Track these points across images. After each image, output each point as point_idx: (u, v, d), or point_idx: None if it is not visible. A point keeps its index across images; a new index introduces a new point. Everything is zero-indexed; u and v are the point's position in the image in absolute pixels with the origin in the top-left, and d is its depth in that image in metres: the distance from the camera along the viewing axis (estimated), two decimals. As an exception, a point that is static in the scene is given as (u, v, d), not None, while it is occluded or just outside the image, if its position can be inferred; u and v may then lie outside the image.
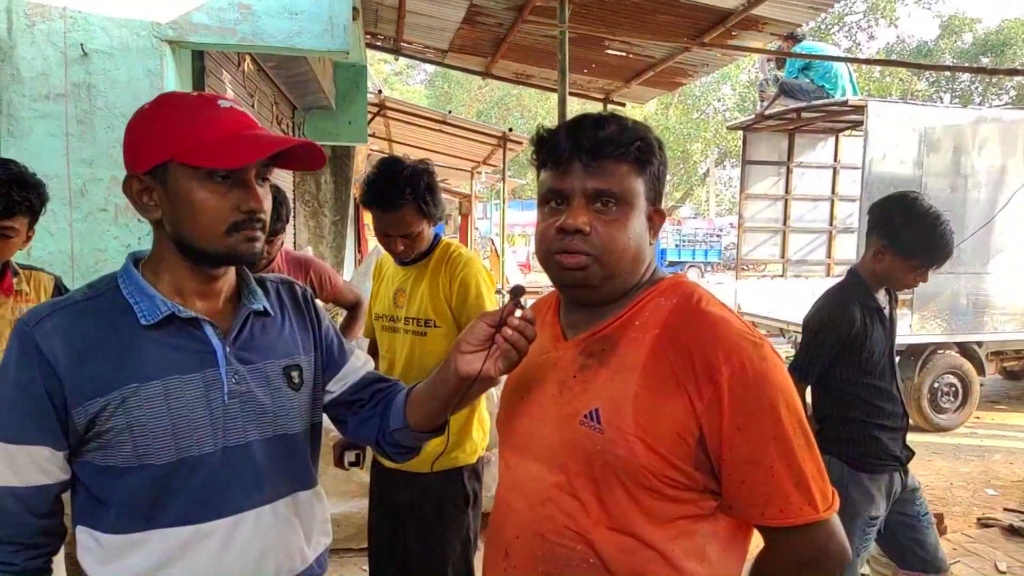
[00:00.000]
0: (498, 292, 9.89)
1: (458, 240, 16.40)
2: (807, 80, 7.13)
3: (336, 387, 1.29)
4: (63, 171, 3.32)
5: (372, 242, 13.54)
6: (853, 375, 2.42)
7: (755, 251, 8.36)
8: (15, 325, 1.11)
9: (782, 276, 8.36)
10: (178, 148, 1.07)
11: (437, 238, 2.35)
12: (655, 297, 1.17)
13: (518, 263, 16.02)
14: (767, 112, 7.47)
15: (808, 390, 2.51)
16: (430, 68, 26.83)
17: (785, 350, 8.84)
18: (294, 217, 7.12)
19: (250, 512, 1.14)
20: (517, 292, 1.13)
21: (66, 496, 1.15)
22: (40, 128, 3.29)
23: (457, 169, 12.65)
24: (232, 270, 1.20)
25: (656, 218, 1.19)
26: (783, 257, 8.36)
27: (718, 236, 27.64)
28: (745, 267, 8.66)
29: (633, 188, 1.13)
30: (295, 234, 7.19)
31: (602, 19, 5.73)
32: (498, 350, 1.11)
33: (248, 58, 4.62)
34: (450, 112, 9.07)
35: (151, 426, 1.08)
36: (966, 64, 25.54)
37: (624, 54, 6.60)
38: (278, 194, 2.67)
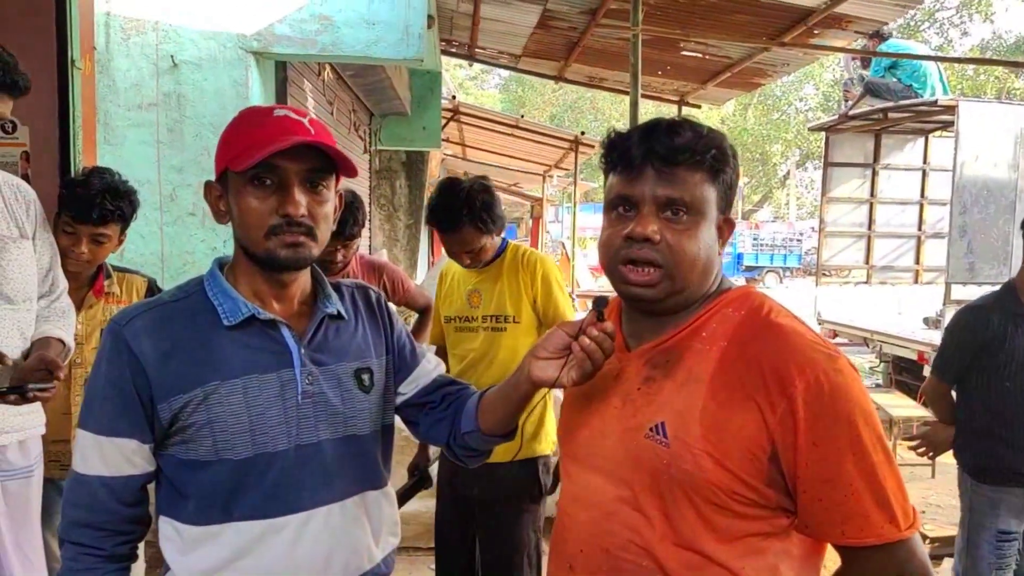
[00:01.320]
0: (569, 295, 9.85)
1: (529, 243, 16.45)
2: (894, 79, 6.83)
3: (408, 389, 1.30)
4: (154, 177, 3.50)
5: (445, 245, 13.74)
6: (988, 381, 2.42)
7: (837, 257, 8.06)
8: (108, 324, 1.17)
9: (866, 283, 8.02)
10: (230, 155, 1.12)
11: (504, 242, 2.42)
12: (722, 308, 1.13)
13: (589, 267, 15.91)
14: (851, 112, 7.19)
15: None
16: (504, 72, 27.02)
17: (868, 360, 8.49)
18: (369, 221, 7.28)
19: (320, 509, 1.17)
20: (600, 304, 1.12)
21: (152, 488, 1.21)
22: (133, 136, 3.48)
23: (529, 173, 12.68)
24: (306, 274, 1.22)
25: (726, 228, 1.15)
26: (867, 263, 8.03)
27: (798, 240, 26.80)
28: (826, 273, 8.35)
29: (705, 197, 1.10)
30: (370, 238, 7.35)
31: (677, 20, 5.65)
32: (575, 359, 1.10)
33: (328, 67, 4.76)
34: (522, 116, 9.11)
35: (230, 422, 1.11)
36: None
37: (700, 55, 6.49)
38: (354, 200, 2.73)
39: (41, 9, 2.32)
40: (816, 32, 5.61)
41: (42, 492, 1.96)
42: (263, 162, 1.08)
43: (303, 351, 1.17)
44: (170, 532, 1.16)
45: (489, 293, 2.34)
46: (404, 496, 2.42)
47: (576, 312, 3.66)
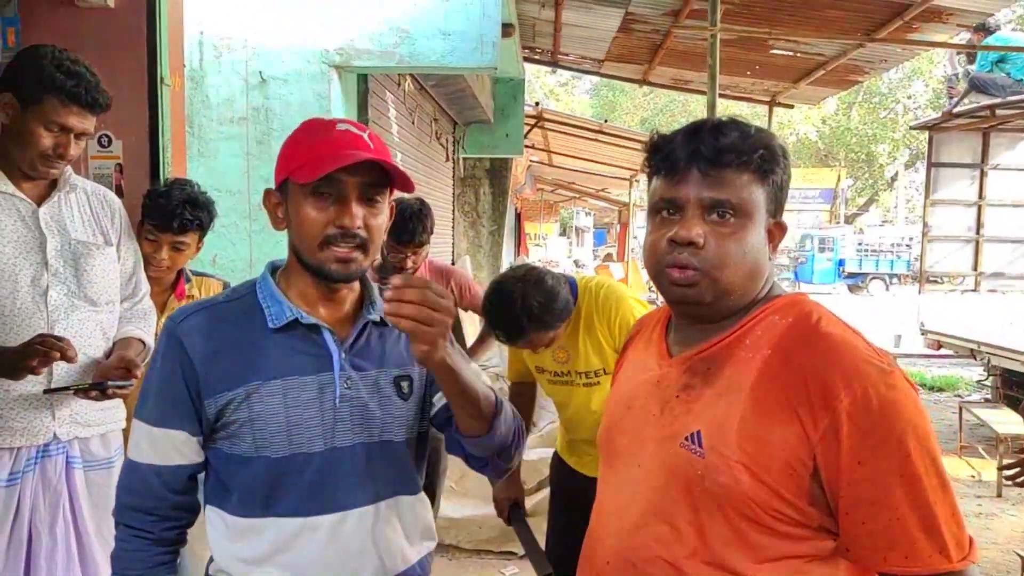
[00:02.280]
0: (652, 303, 9.72)
1: (616, 250, 16.29)
2: (1002, 74, 6.39)
3: (439, 400, 1.30)
4: (244, 187, 3.69)
5: (533, 250, 13.78)
6: None
7: (942, 262, 7.60)
8: (165, 322, 1.26)
9: (974, 290, 7.52)
10: (292, 166, 1.17)
11: (574, 287, 2.29)
12: (769, 315, 1.09)
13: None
14: (956, 110, 6.77)
15: None
16: (595, 78, 26.97)
17: (978, 374, 7.94)
18: (452, 227, 7.41)
19: (354, 511, 1.20)
20: (383, 271, 1.08)
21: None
22: (225, 149, 3.68)
23: (615, 178, 12.58)
24: (356, 281, 1.26)
25: (776, 232, 1.11)
26: (976, 270, 7.52)
27: (907, 245, 25.38)
28: (934, 280, 7.89)
29: (753, 199, 1.06)
30: (454, 244, 7.48)
31: (763, 18, 5.49)
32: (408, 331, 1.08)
33: (409, 78, 4.89)
34: (606, 121, 9.08)
35: (269, 421, 1.16)
36: None
37: (791, 53, 6.27)
38: (422, 207, 2.81)
39: (134, 31, 2.49)
40: (915, 26, 5.32)
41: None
42: (325, 176, 1.12)
43: (343, 356, 1.21)
44: (216, 521, 1.23)
45: (574, 350, 2.26)
46: (526, 540, 2.29)
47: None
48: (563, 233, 27.60)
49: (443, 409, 1.27)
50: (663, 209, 1.10)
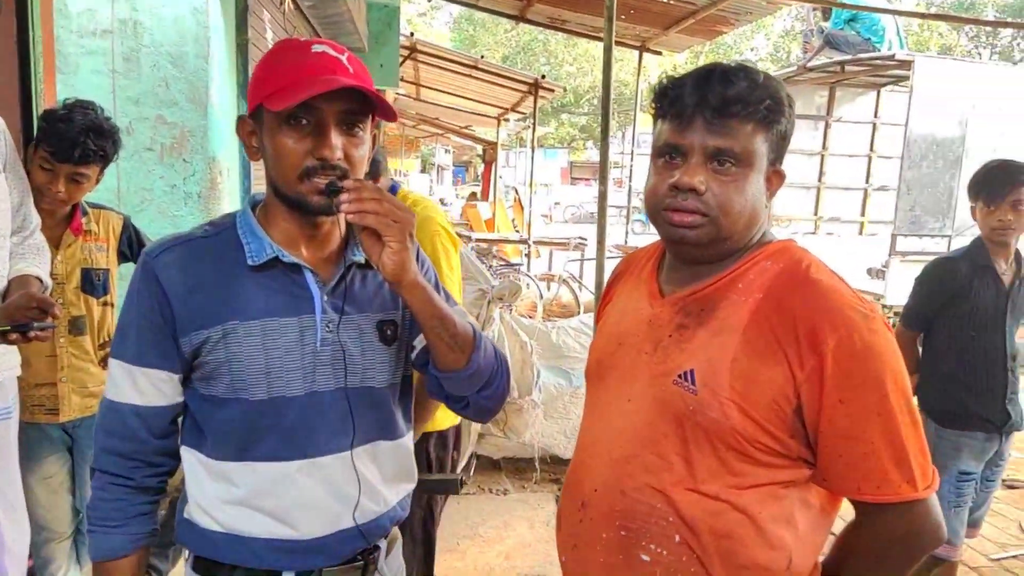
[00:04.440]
0: (523, 242, 9.87)
1: (480, 188, 16.26)
2: (853, 32, 6.91)
3: (419, 343, 1.27)
4: (109, 109, 3.29)
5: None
6: (953, 329, 2.53)
7: (787, 207, 8.24)
8: (141, 256, 1.17)
9: (813, 234, 8.25)
10: (265, 92, 1.09)
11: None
12: (761, 260, 1.14)
13: (541, 213, 15.92)
14: (810, 64, 7.26)
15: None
16: (456, 10, 26.25)
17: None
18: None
19: (334, 455, 1.17)
20: (331, 188, 1.08)
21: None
22: (87, 65, 3.27)
23: (483, 116, 12.48)
24: (341, 219, 1.19)
25: (775, 179, 1.15)
26: (816, 215, 8.24)
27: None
28: (773, 222, 8.54)
29: (756, 149, 1.09)
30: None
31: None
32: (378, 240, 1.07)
33: (288, -3, 4.55)
34: (482, 57, 8.91)
35: (246, 363, 1.12)
36: (1009, 20, 24.60)
37: (666, 0, 6.42)
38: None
39: (-4, -78, 2.15)
40: (782, -19, 5.62)
41: (28, 438, 1.90)
42: (300, 103, 1.04)
43: (326, 298, 1.16)
44: (192, 462, 1.18)
45: None
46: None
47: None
48: (423, 170, 27.20)
49: (423, 351, 1.24)
50: (667, 153, 1.13)
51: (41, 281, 1.76)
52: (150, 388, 1.15)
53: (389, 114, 1.15)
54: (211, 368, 1.13)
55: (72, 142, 1.94)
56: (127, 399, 1.15)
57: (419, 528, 2.31)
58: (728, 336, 1.10)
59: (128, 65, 3.31)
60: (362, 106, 1.11)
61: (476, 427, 3.94)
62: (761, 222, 1.17)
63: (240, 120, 1.17)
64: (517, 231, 12.05)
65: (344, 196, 1.05)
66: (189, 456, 1.19)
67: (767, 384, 1.06)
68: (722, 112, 1.07)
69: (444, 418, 2.32)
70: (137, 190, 3.41)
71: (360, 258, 1.20)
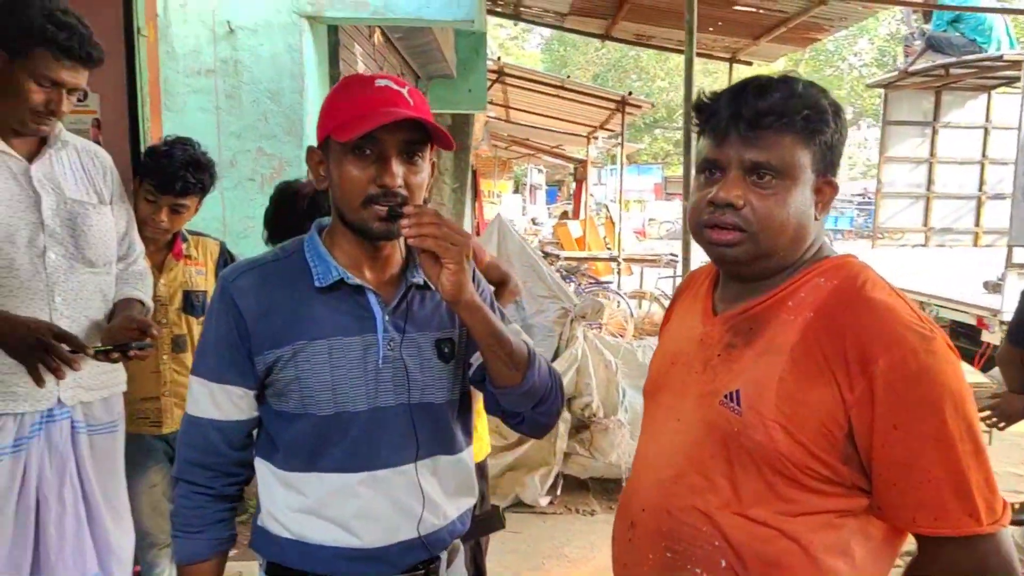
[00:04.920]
0: (613, 260, 9.81)
1: (572, 207, 16.24)
2: (957, 33, 6.54)
3: (476, 360, 1.30)
4: (214, 143, 3.55)
5: (489, 210, 13.73)
6: None
7: (894, 218, 7.84)
8: (218, 280, 1.25)
9: (924, 245, 7.80)
10: (332, 124, 1.16)
11: None
12: (814, 277, 1.10)
13: (634, 230, 15.78)
14: (912, 68, 6.92)
15: None
16: (546, 32, 26.60)
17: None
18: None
19: (395, 468, 1.21)
20: (395, 214, 1.14)
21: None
22: (193, 103, 3.53)
23: (573, 135, 12.54)
24: (401, 244, 1.26)
25: (827, 190, 1.11)
26: (926, 225, 7.79)
27: (850, 201, 26.05)
28: (881, 235, 8.12)
29: (796, 161, 1.06)
30: (429, 200, 7.38)
31: (732, -26, 5.48)
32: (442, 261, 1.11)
33: (378, 30, 4.75)
34: (568, 77, 8.98)
35: (314, 380, 1.18)
36: None
37: (754, 10, 6.29)
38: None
39: (109, -22, 2.36)
40: (877, -16, 5.40)
41: (133, 449, 2.06)
42: (364, 134, 1.11)
43: (387, 318, 1.22)
44: (265, 472, 1.25)
45: None
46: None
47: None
48: (516, 191, 27.55)
49: (480, 368, 1.28)
50: (707, 169, 1.12)
51: (143, 304, 1.91)
52: (228, 404, 1.22)
53: (446, 143, 1.21)
54: (282, 385, 1.19)
55: (173, 176, 2.10)
56: (206, 414, 1.22)
57: (470, 564, 2.30)
58: (775, 356, 1.06)
59: (230, 102, 3.56)
60: (421, 136, 1.17)
61: (562, 447, 3.94)
62: (811, 236, 1.12)
63: (310, 150, 1.24)
64: (609, 248, 11.99)
65: (405, 221, 1.11)
66: (262, 467, 1.26)
67: (816, 407, 1.02)
68: (756, 124, 1.05)
69: (480, 450, 2.32)
70: (241, 218, 3.64)
71: (419, 279, 1.25)
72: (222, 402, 1.22)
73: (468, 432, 1.35)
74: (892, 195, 7.70)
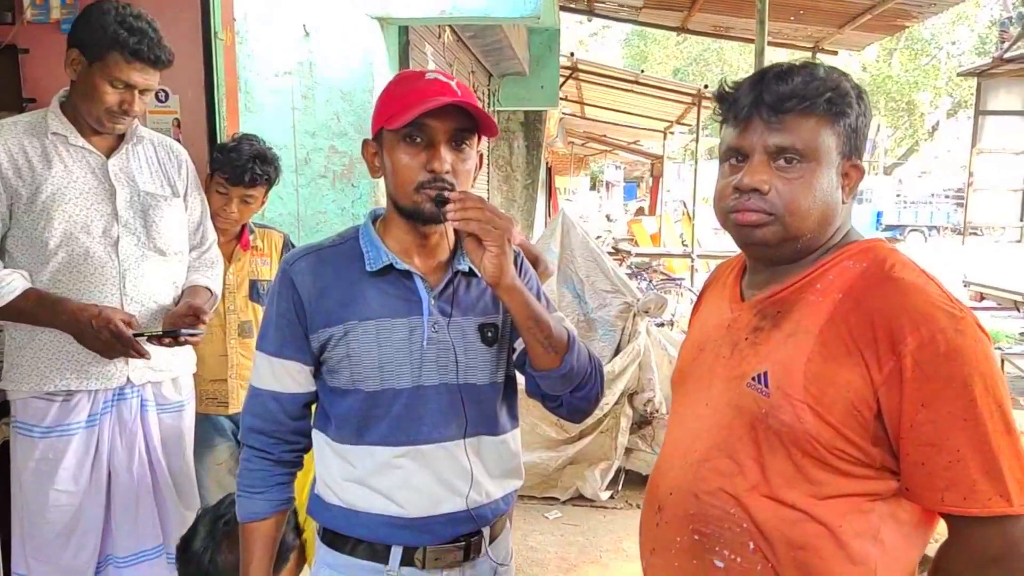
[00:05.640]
0: (687, 256, 9.65)
1: (648, 203, 16.04)
2: (1061, 15, 6.13)
3: (519, 345, 1.33)
4: (290, 142, 3.72)
5: (563, 204, 13.73)
6: None
7: (987, 213, 7.42)
8: (280, 264, 1.35)
9: (1019, 241, 7.35)
10: (386, 115, 1.23)
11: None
12: (843, 260, 1.10)
13: (713, 227, 15.44)
14: (1008, 55, 6.52)
15: None
16: (626, 27, 26.29)
17: (1020, 325, 7.81)
18: (488, 181, 7.40)
19: (438, 444, 1.28)
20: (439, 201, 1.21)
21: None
22: (270, 103, 3.71)
23: (649, 129, 12.39)
24: (449, 232, 1.32)
25: (853, 173, 1.11)
26: (1022, 220, 7.34)
27: (947, 197, 24.75)
28: (975, 231, 7.70)
29: (821, 144, 1.06)
30: (488, 198, 7.47)
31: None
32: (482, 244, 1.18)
33: (448, 29, 4.84)
34: (643, 71, 8.89)
35: (363, 358, 1.26)
36: None
37: (836, -3, 6.07)
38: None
39: (187, -15, 2.51)
40: (969, -34, 5.13)
41: (202, 428, 2.20)
42: (414, 122, 1.19)
43: (433, 302, 1.29)
44: (320, 443, 1.35)
45: None
46: None
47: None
48: (592, 187, 27.37)
49: (523, 353, 1.33)
50: (731, 157, 1.13)
51: (211, 291, 2.04)
52: (286, 377, 1.31)
53: (491, 130, 1.27)
54: (335, 362, 1.27)
55: (242, 168, 2.24)
56: (267, 386, 1.32)
57: None
58: (803, 337, 1.06)
59: (305, 102, 3.71)
60: (468, 124, 1.24)
61: (623, 442, 3.93)
62: (838, 220, 1.12)
63: (365, 143, 1.32)
64: (685, 245, 11.80)
65: (450, 205, 1.18)
66: (318, 437, 1.35)
67: (844, 387, 1.01)
68: (778, 109, 1.05)
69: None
70: (314, 213, 3.80)
71: (465, 267, 1.32)
72: (281, 375, 1.31)
73: (513, 416, 1.41)
74: (986, 189, 7.28)
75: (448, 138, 1.22)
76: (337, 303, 1.27)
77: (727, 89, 1.13)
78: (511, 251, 1.21)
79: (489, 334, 1.32)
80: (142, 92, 1.80)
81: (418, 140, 1.22)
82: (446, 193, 1.20)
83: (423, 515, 1.28)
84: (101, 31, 1.72)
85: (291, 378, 1.31)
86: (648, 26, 8.16)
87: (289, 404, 1.32)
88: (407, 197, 1.24)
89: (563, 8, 7.53)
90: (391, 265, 1.27)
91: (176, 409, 2.01)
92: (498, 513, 1.36)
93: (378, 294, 1.27)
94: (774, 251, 1.12)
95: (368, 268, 1.27)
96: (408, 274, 1.28)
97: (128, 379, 1.88)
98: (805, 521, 1.04)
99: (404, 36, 4.13)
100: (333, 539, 1.32)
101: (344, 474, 1.29)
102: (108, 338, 1.71)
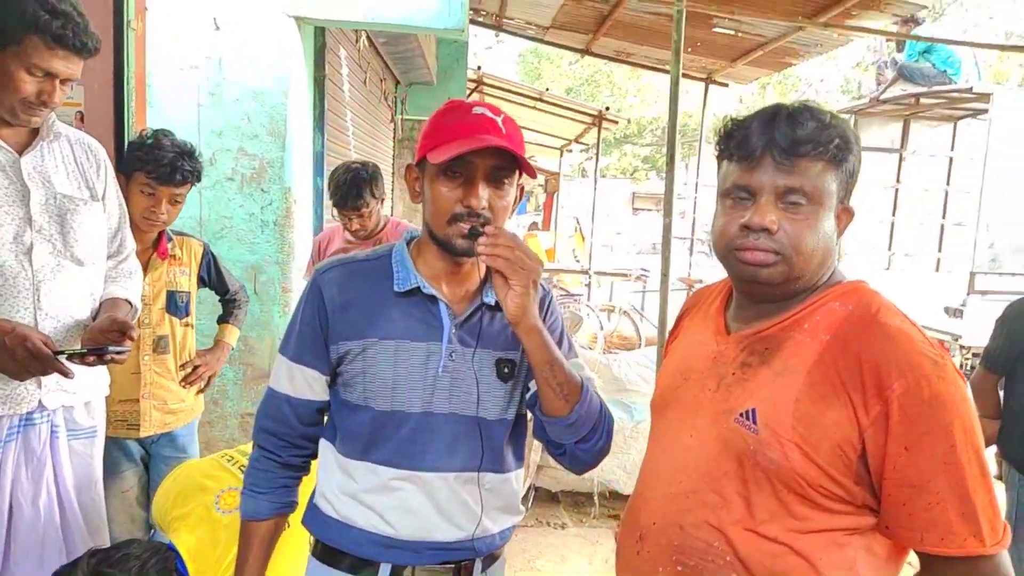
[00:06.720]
0: (583, 272, 9.84)
1: (541, 218, 16.28)
2: (928, 64, 6.73)
3: (534, 385, 1.32)
4: (195, 140, 3.46)
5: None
6: None
7: (861, 242, 8.01)
8: (313, 270, 1.35)
9: (887, 269, 8.00)
10: (429, 145, 1.24)
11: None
12: (829, 301, 1.13)
13: (602, 243, 15.85)
14: (883, 96, 7.10)
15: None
16: (521, 44, 26.70)
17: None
18: (391, 190, 7.26)
19: (439, 474, 1.27)
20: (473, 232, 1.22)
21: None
22: (174, 99, 3.45)
23: (546, 147, 12.60)
24: (481, 264, 1.29)
25: (844, 216, 1.15)
26: (890, 250, 7.99)
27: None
28: (846, 255, 8.27)
29: (825, 187, 1.09)
30: (392, 206, 7.34)
31: (716, -2, 5.56)
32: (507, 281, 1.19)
33: (364, 35, 4.72)
34: (547, 90, 9.03)
35: (378, 376, 1.26)
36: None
37: (733, 32, 6.40)
38: (363, 170, 2.81)
39: (100, -32, 2.30)
40: (854, 13, 5.53)
41: (107, 453, 1.99)
42: (455, 156, 1.18)
43: (454, 330, 1.28)
44: (326, 452, 1.35)
45: None
46: None
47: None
48: (485, 199, 27.51)
49: (536, 395, 1.31)
50: (734, 193, 1.13)
51: (131, 304, 1.85)
52: (302, 383, 1.32)
53: (530, 172, 1.28)
54: (350, 376, 1.28)
55: (171, 166, 2.08)
56: (283, 389, 1.34)
57: None
58: (792, 376, 1.08)
59: (213, 99, 3.48)
60: (510, 163, 1.24)
61: (535, 459, 3.92)
62: (832, 260, 1.16)
63: (408, 167, 1.33)
64: (578, 260, 12.04)
65: (482, 240, 1.18)
66: (325, 448, 1.35)
67: (831, 428, 1.04)
68: (791, 152, 1.08)
69: None
70: (218, 218, 3.57)
71: (491, 300, 1.31)
72: (297, 381, 1.32)
73: (519, 455, 1.39)
74: (856, 221, 7.84)
75: (487, 175, 1.23)
76: (360, 318, 1.28)
77: (733, 126, 1.13)
78: (536, 293, 1.21)
79: (506, 370, 1.32)
80: (63, 82, 1.62)
81: (457, 174, 1.23)
82: (480, 227, 1.21)
83: (413, 539, 1.27)
84: (19, 12, 1.53)
85: (307, 385, 1.32)
86: (554, 46, 8.30)
87: (301, 409, 1.34)
88: (441, 228, 1.25)
89: (472, 21, 7.52)
90: (418, 288, 1.27)
91: (88, 435, 1.81)
92: (493, 547, 1.36)
93: (402, 315, 1.28)
94: (776, 289, 1.13)
95: (396, 288, 1.28)
96: (434, 299, 1.29)
97: (40, 403, 1.67)
98: (787, 554, 1.06)
99: (320, 38, 3.98)
100: (324, 552, 1.32)
101: (343, 487, 1.30)
102: (24, 357, 1.50)
